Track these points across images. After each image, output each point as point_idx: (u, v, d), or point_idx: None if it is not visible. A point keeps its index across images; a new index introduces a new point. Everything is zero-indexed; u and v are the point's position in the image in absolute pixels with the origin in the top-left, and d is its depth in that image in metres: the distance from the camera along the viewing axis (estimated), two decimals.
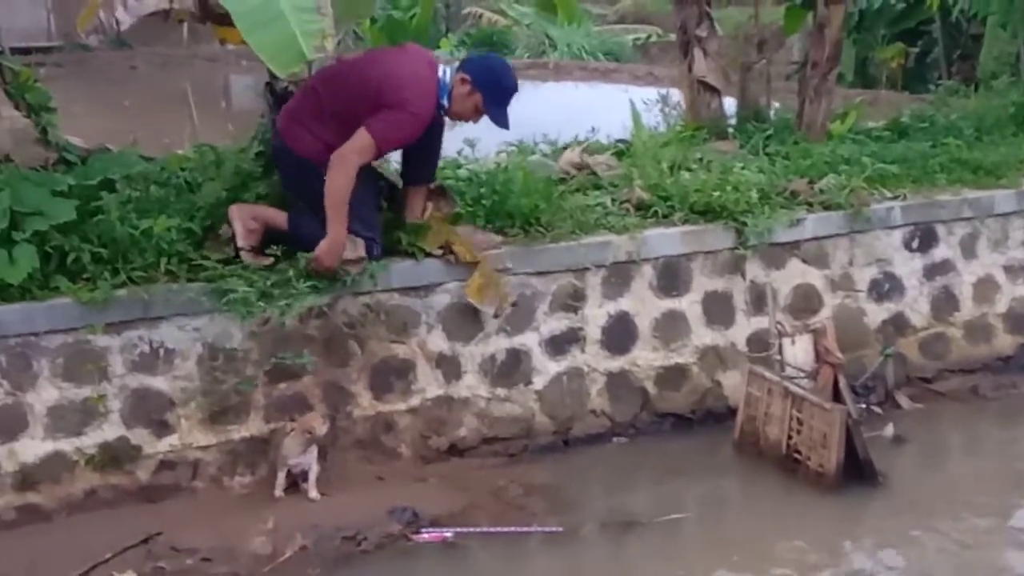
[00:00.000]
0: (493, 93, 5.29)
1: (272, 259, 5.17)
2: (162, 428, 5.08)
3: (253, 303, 4.93)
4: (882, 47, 15.14)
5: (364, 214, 5.27)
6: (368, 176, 5.32)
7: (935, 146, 7.36)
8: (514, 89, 5.36)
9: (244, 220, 5.26)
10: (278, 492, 5.09)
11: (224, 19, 5.17)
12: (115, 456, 5.00)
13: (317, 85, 5.35)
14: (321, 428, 5.07)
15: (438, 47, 20.70)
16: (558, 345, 5.85)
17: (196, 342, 5.07)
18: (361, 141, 5.10)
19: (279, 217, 5.32)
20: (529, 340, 5.78)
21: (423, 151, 5.51)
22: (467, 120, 5.48)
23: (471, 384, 5.67)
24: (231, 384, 5.12)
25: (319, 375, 5.33)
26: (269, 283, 5.02)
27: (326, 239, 5.10)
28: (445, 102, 5.30)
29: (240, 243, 5.23)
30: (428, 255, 5.51)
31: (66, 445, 4.93)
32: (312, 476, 5.11)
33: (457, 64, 5.41)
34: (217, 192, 5.32)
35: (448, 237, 5.54)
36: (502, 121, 5.36)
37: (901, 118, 8.15)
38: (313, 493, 5.09)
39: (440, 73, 5.28)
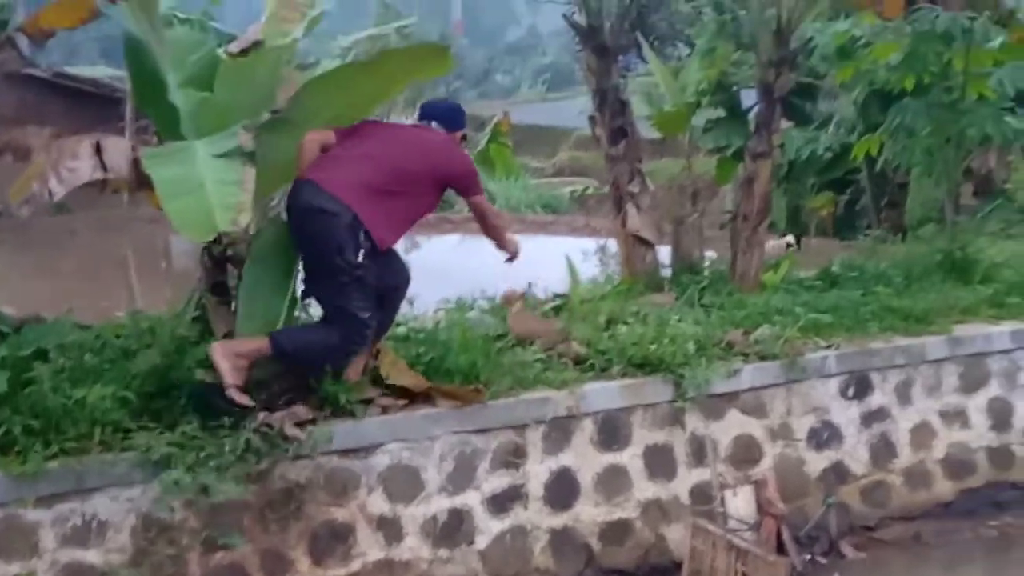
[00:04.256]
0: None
1: (254, 404, 5.16)
2: None
3: (182, 480, 4.86)
4: (812, 196, 15.55)
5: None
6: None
7: (866, 294, 7.51)
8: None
9: (229, 358, 5.21)
10: None
11: None
12: None
13: (379, 156, 5.54)
14: None
15: None
16: (500, 503, 5.80)
17: (130, 513, 4.97)
18: (484, 201, 5.95)
19: (260, 344, 5.31)
20: (471, 499, 5.73)
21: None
22: None
23: (413, 546, 5.58)
24: (165, 555, 5.00)
25: (257, 542, 5.22)
26: (203, 454, 4.95)
27: (509, 243, 5.97)
28: None
29: (228, 381, 5.15)
30: (367, 414, 5.52)
31: None
32: None
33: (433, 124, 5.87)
34: (153, 360, 5.29)
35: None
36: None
37: (832, 267, 8.33)
38: None
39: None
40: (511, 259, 6.03)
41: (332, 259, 5.30)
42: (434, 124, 5.87)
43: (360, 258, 5.30)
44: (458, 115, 6.03)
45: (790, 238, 10.76)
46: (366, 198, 5.36)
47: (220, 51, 6.12)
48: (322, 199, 5.30)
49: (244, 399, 5.17)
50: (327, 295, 5.44)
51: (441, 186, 5.72)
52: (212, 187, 4.89)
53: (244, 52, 5.77)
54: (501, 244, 5.99)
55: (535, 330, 6.51)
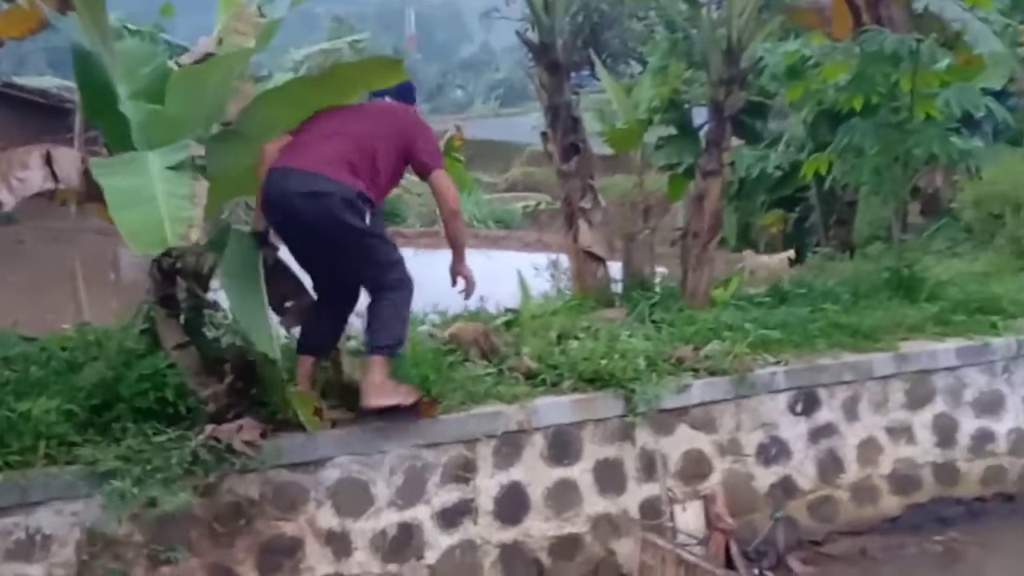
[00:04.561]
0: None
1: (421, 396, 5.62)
2: None
3: (127, 493, 4.81)
4: (762, 213, 15.70)
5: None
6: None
7: (814, 311, 7.57)
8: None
9: (383, 393, 5.47)
10: None
11: None
12: None
13: (345, 132, 5.54)
14: None
15: None
16: (450, 518, 5.78)
17: (74, 527, 4.90)
18: (446, 177, 5.73)
19: (376, 361, 5.48)
20: (420, 513, 5.71)
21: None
22: None
23: (362, 561, 5.55)
24: (110, 570, 4.94)
25: (204, 556, 5.16)
26: (149, 467, 4.90)
27: (465, 267, 5.72)
28: None
29: (404, 402, 5.52)
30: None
31: None
32: None
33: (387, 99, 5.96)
34: (100, 372, 5.23)
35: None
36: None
37: (781, 284, 8.40)
38: None
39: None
40: (467, 293, 5.90)
41: (344, 237, 5.37)
42: (387, 99, 5.93)
43: (368, 220, 5.39)
44: (410, 90, 6.08)
45: (791, 253, 10.94)
46: (349, 171, 5.39)
47: (171, 63, 6.09)
48: (312, 182, 5.32)
49: (415, 395, 5.61)
50: (359, 267, 5.54)
51: (405, 155, 5.66)
52: (164, 199, 4.85)
53: (195, 64, 5.75)
54: (457, 253, 5.82)
55: (468, 334, 6.52)
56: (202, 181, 5.02)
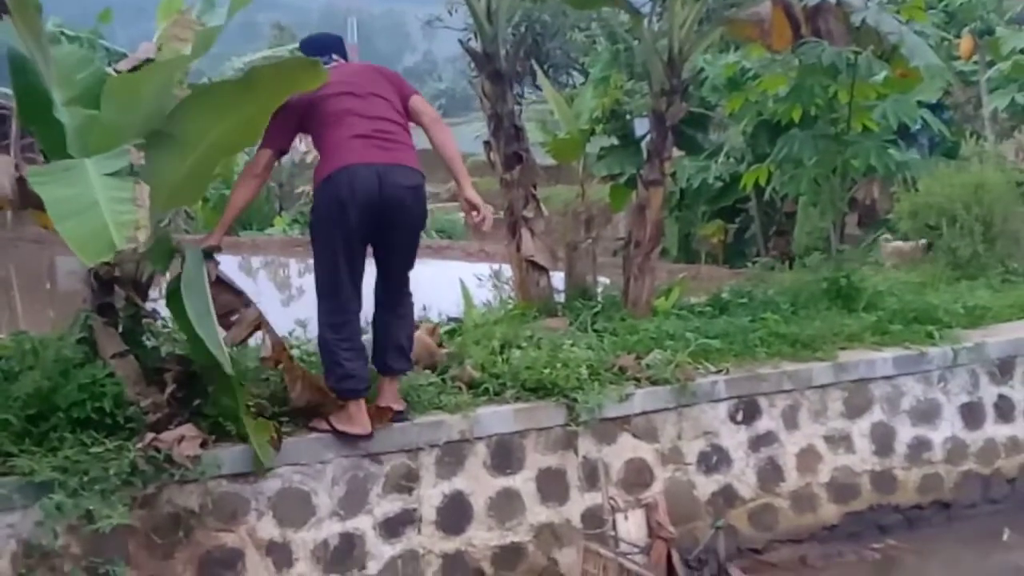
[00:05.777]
0: None
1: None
2: None
3: (64, 504, 4.74)
4: (703, 223, 15.81)
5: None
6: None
7: (754, 320, 7.63)
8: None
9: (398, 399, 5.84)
10: None
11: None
12: None
13: (395, 118, 5.72)
14: None
15: (271, 225, 20.77)
16: (392, 528, 5.76)
17: (10, 539, 4.83)
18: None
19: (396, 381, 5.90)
20: (363, 523, 5.68)
21: None
22: None
23: (303, 572, 5.50)
24: None
25: (143, 568, 5.09)
26: (87, 478, 4.83)
27: (473, 193, 5.80)
28: None
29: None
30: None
31: None
32: None
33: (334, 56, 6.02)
34: (36, 382, 5.15)
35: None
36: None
37: (722, 294, 8.46)
38: None
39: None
40: (484, 222, 5.91)
41: (422, 228, 5.76)
42: (335, 56, 6.01)
43: None
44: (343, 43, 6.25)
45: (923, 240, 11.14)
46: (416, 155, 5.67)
47: (108, 69, 6.00)
48: (412, 176, 5.61)
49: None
50: (413, 261, 5.84)
51: None
52: (106, 205, 4.77)
53: (134, 70, 5.67)
54: (459, 171, 5.98)
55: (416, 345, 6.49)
56: (142, 184, 4.96)
